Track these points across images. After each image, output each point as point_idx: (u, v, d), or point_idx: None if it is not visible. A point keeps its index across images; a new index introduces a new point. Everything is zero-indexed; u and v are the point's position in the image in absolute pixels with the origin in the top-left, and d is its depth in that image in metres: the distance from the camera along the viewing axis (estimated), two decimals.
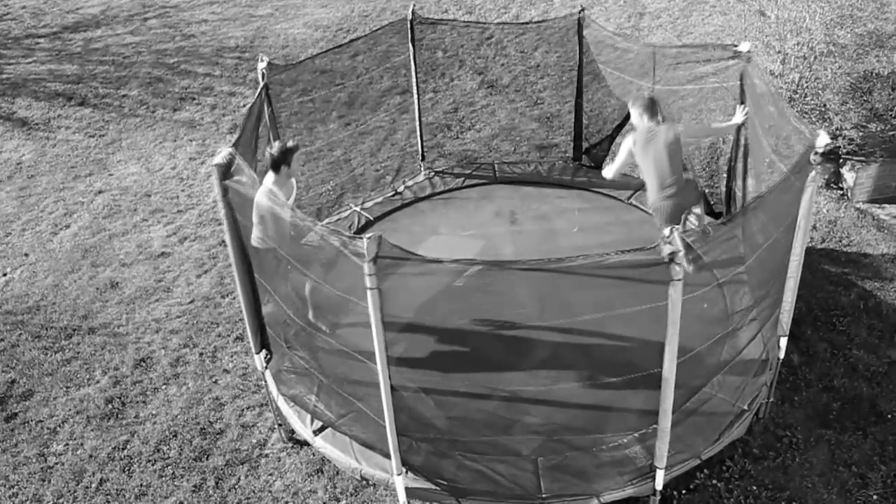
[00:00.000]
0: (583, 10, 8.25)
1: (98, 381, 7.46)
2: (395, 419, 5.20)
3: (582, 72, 8.56)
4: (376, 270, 4.54)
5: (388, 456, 5.45)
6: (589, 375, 6.22)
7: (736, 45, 6.83)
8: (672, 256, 4.38)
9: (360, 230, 8.30)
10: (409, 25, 8.30)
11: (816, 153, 5.12)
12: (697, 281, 4.83)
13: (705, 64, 7.06)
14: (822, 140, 5.09)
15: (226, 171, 5.32)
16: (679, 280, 4.46)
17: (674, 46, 7.68)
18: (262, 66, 7.06)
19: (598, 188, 8.52)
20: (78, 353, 7.80)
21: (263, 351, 6.40)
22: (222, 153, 5.31)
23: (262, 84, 7.05)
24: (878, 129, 8.51)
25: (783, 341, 6.12)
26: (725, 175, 7.58)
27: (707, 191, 7.91)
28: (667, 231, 4.44)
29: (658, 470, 5.37)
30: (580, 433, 5.83)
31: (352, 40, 8.51)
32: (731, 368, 6.07)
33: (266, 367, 6.46)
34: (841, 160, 8.83)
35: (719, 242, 4.81)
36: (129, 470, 6.61)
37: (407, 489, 5.55)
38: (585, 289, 5.45)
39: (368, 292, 4.61)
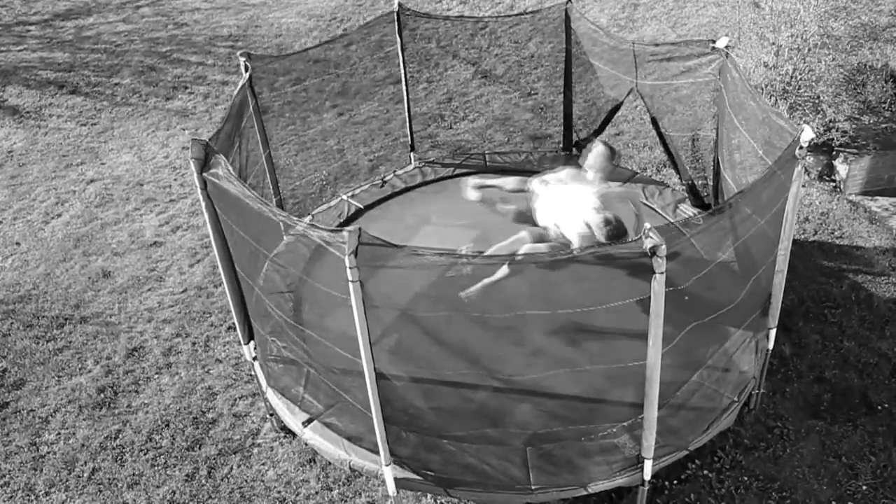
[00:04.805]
0: (570, 0, 8.21)
1: (90, 371, 7.45)
2: (382, 409, 5.21)
3: (570, 63, 8.54)
4: (357, 263, 4.54)
5: (374, 449, 5.45)
6: (578, 366, 6.23)
7: (713, 41, 6.80)
8: (654, 249, 4.40)
9: (350, 219, 8.27)
10: (395, 17, 8.28)
11: (801, 148, 5.13)
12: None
13: (685, 60, 7.02)
14: (807, 135, 5.09)
15: (204, 163, 5.29)
16: (661, 273, 4.48)
17: (651, 44, 7.65)
18: (242, 60, 6.99)
19: None
20: (70, 342, 7.78)
21: (252, 342, 6.40)
22: (197, 145, 5.28)
23: (245, 77, 6.97)
24: (871, 121, 8.53)
25: (772, 333, 6.15)
26: (713, 168, 7.58)
27: (700, 182, 7.92)
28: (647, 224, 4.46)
29: (646, 460, 5.40)
30: (569, 424, 5.85)
31: (342, 34, 8.46)
32: (718, 360, 6.10)
33: (255, 358, 6.46)
34: (834, 152, 8.85)
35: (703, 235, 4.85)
36: (121, 459, 6.61)
37: (396, 479, 5.56)
38: (575, 280, 5.46)
39: (350, 285, 4.61)
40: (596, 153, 6.66)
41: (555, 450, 5.69)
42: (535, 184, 6.82)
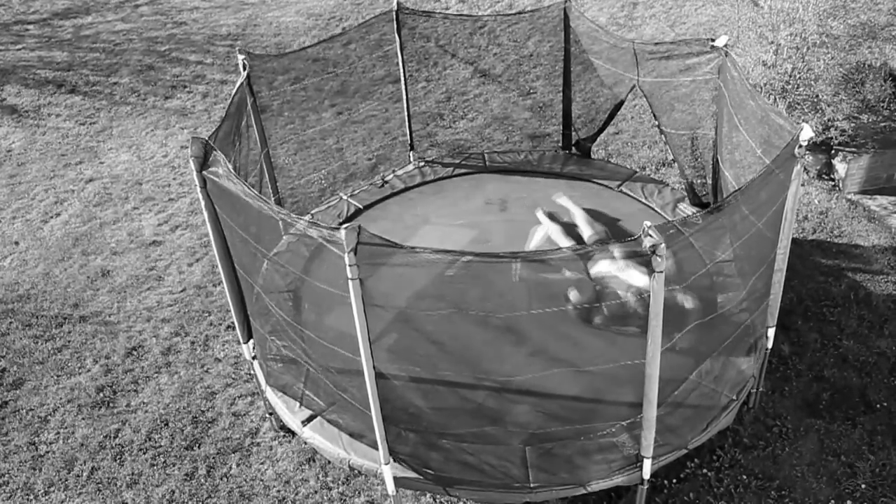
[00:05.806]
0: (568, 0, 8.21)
1: (89, 370, 7.44)
2: (381, 409, 5.21)
3: (569, 62, 8.53)
4: (357, 261, 4.53)
5: (376, 445, 5.45)
6: (577, 365, 6.23)
7: (713, 40, 6.79)
8: (654, 249, 4.40)
9: (350, 219, 8.26)
10: (394, 15, 8.26)
11: (800, 146, 5.13)
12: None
13: (684, 58, 7.02)
14: (806, 134, 5.10)
15: (203, 162, 5.29)
16: (661, 272, 4.48)
17: (651, 43, 7.64)
18: (241, 58, 6.97)
19: (588, 177, 8.52)
20: (69, 341, 7.78)
21: (251, 341, 6.39)
22: (197, 143, 5.28)
23: (243, 75, 6.96)
24: (870, 120, 8.53)
25: (771, 332, 6.15)
26: (712, 167, 7.58)
27: (699, 181, 7.92)
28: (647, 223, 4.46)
29: (645, 459, 5.40)
30: (568, 423, 5.85)
31: (341, 33, 8.44)
32: (717, 358, 6.10)
33: (254, 357, 6.46)
34: (833, 151, 8.85)
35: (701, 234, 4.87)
36: (120, 458, 6.61)
37: (396, 479, 5.56)
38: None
39: (350, 283, 4.60)
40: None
41: (554, 449, 5.69)
42: (618, 252, 6.82)
